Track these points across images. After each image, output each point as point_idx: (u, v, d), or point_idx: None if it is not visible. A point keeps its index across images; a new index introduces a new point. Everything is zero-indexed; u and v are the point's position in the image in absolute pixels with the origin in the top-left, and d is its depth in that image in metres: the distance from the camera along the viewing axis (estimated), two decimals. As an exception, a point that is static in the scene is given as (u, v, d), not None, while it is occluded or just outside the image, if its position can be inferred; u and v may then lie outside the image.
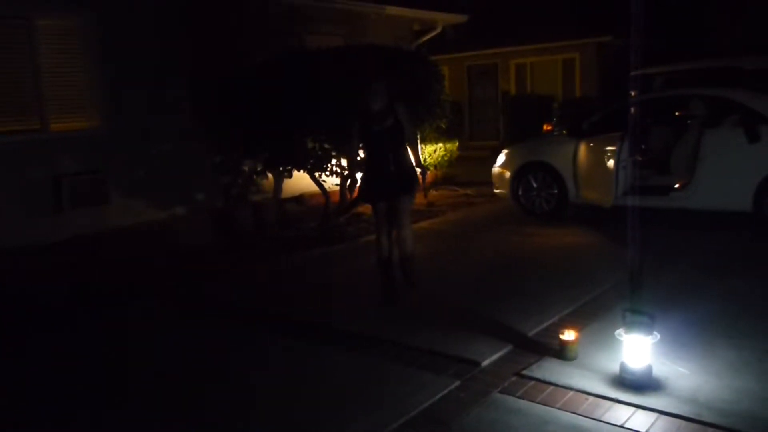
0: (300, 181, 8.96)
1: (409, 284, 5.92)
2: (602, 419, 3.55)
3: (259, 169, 8.65)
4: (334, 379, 4.28)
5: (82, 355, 4.97)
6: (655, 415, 3.56)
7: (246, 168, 8.88)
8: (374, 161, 5.74)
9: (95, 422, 3.91)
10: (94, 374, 4.60)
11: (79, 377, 4.56)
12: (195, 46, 8.63)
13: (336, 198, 8.80)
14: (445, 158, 12.91)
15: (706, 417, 3.48)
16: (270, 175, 8.87)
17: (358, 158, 5.95)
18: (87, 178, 7.65)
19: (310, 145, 8.10)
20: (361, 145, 5.79)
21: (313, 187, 8.85)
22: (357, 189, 6.09)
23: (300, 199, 9.95)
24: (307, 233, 8.66)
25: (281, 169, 8.45)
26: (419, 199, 10.99)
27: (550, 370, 4.17)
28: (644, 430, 3.43)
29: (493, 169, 9.69)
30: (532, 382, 4.03)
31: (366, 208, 9.95)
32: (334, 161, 8.25)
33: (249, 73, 8.22)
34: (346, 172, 8.38)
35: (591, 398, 3.78)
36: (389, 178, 5.67)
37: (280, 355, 4.79)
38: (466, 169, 13.48)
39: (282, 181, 9.09)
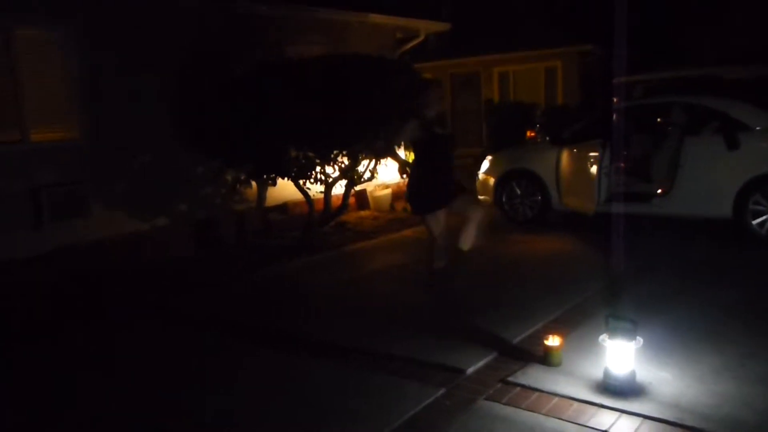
0: (284, 189, 8.94)
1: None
2: (587, 425, 3.56)
3: (242, 178, 8.62)
4: (316, 390, 4.25)
5: (64, 367, 4.92)
6: (639, 419, 3.58)
7: (229, 177, 8.85)
8: (438, 170, 5.61)
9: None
10: (69, 387, 4.56)
11: (57, 390, 4.51)
12: (177, 58, 8.60)
13: (320, 206, 8.78)
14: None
15: (689, 421, 3.51)
16: (254, 184, 8.85)
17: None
18: (68, 189, 7.57)
19: (293, 153, 8.09)
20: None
21: (297, 195, 8.83)
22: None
23: (284, 207, 9.93)
24: (291, 242, 8.64)
25: (265, 177, 8.42)
26: (404, 206, 11.02)
27: (535, 376, 4.18)
28: (628, 435, 3.45)
29: (477, 176, 9.74)
30: (518, 389, 4.04)
31: (350, 216, 9.97)
32: (318, 168, 8.24)
33: (232, 82, 8.20)
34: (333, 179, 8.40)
35: (576, 404, 3.80)
36: (451, 188, 5.69)
37: (260, 366, 4.75)
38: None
39: (266, 189, 9.07)
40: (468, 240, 5.73)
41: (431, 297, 5.87)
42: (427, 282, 5.91)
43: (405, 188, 5.93)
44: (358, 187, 9.43)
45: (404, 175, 6.37)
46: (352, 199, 9.65)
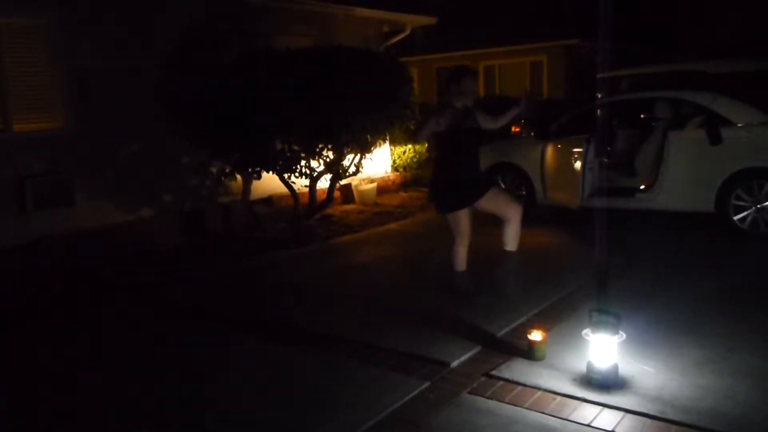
0: (269, 182, 8.91)
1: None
2: (569, 418, 3.59)
3: (227, 170, 8.58)
4: (302, 381, 4.26)
5: (48, 358, 4.89)
6: (621, 413, 3.60)
7: (214, 169, 8.81)
8: (455, 163, 5.42)
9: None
10: (58, 378, 4.53)
11: (45, 381, 4.48)
12: (163, 47, 8.54)
13: (305, 199, 8.77)
14: (414, 160, 12.98)
15: (671, 414, 3.54)
16: (239, 177, 8.82)
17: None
18: (52, 179, 7.52)
19: (278, 146, 8.06)
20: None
21: (282, 188, 8.81)
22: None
23: (269, 200, 9.90)
24: (276, 235, 8.62)
25: (250, 170, 8.39)
26: (389, 200, 11.02)
27: (519, 370, 4.20)
28: (610, 428, 3.47)
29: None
30: (501, 383, 4.06)
31: (335, 210, 9.95)
32: (303, 162, 8.22)
33: (218, 73, 8.15)
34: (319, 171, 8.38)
35: (558, 398, 3.82)
36: (469, 182, 5.49)
37: (247, 356, 4.75)
38: (435, 171, 13.49)
39: (251, 182, 9.03)
40: (513, 240, 5.73)
41: (419, 289, 5.88)
42: (450, 286, 5.74)
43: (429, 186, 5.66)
44: (343, 182, 9.42)
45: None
46: (337, 193, 9.64)
